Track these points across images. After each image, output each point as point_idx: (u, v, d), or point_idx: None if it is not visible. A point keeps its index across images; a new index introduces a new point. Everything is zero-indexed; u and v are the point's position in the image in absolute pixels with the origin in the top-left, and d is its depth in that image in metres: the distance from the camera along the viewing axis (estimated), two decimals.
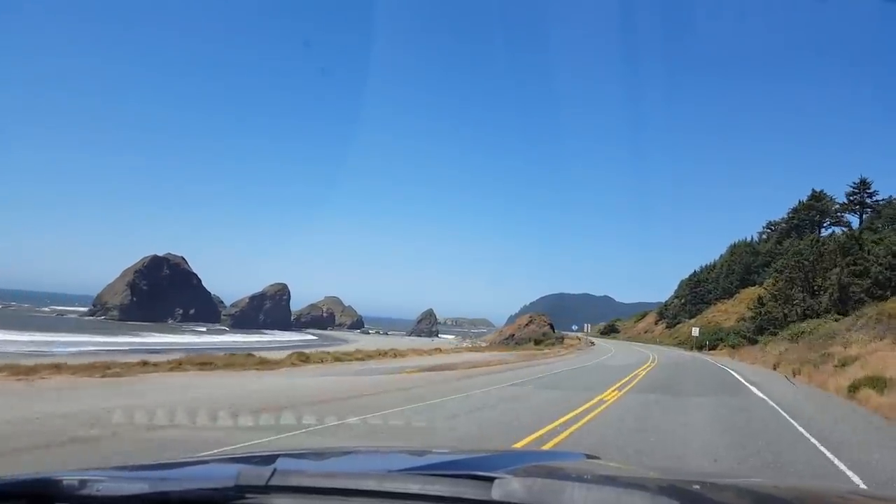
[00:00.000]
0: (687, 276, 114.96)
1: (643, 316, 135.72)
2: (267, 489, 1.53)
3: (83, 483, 1.63)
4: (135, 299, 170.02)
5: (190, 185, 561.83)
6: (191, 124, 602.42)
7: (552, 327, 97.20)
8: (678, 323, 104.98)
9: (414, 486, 1.48)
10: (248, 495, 1.53)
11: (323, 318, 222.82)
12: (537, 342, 53.48)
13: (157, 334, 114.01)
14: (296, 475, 1.62)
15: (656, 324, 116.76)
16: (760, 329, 56.01)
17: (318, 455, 2.73)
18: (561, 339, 58.74)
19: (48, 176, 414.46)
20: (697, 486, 2.06)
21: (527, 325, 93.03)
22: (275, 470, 1.56)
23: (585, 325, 77.26)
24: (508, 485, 1.42)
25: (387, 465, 2.32)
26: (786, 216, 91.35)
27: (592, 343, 78.91)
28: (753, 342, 50.59)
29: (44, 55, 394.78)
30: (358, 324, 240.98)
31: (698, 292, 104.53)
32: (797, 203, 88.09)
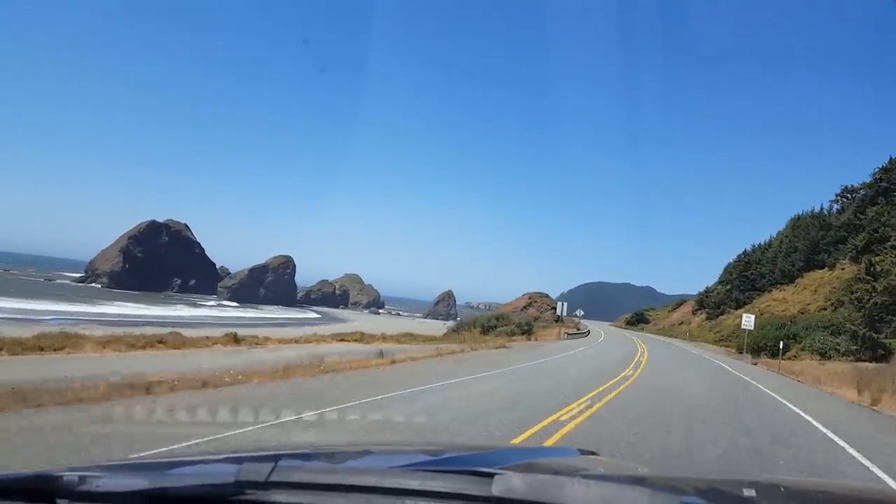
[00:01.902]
0: (734, 259, 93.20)
1: (679, 305, 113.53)
2: (267, 485, 1.49)
3: (83, 479, 1.59)
4: (127, 266, 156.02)
5: (205, 156, 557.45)
6: (208, 96, 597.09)
7: (556, 311, 77.58)
8: (721, 314, 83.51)
9: (414, 482, 1.46)
10: (248, 491, 1.50)
11: (335, 295, 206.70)
12: (487, 329, 34.77)
13: (123, 303, 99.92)
14: (296, 471, 1.59)
15: (694, 314, 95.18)
16: (872, 318, 33.14)
17: (319, 451, 2.62)
18: (529, 328, 39.58)
19: (68, 140, 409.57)
20: (697, 483, 2.11)
21: (524, 307, 73.49)
22: (275, 466, 1.53)
23: (560, 303, 57.34)
24: (509, 481, 1.40)
25: (387, 461, 2.27)
26: (870, 179, 69.00)
27: (586, 332, 60.16)
28: (871, 347, 27.41)
29: (44, 7, 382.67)
30: (375, 303, 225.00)
31: (748, 277, 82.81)
32: (887, 161, 65.91)
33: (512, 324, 37.14)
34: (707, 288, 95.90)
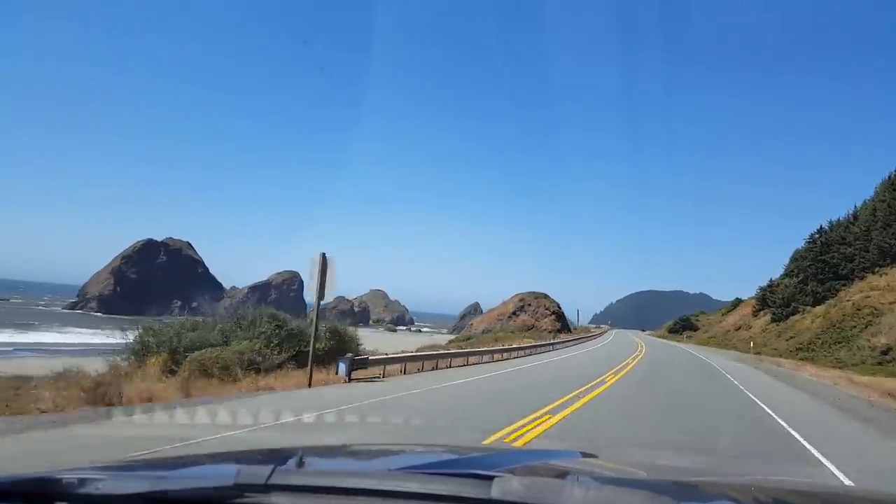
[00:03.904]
0: (806, 241, 70.42)
1: (735, 306, 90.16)
2: (266, 488, 1.47)
3: (82, 481, 1.57)
4: (118, 289, 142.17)
5: (217, 174, 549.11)
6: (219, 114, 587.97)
7: (560, 317, 56.59)
8: (793, 313, 61.14)
9: (413, 485, 1.44)
10: (247, 494, 1.48)
11: (354, 313, 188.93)
12: (180, 353, 14.26)
13: (79, 330, 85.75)
14: (295, 474, 1.59)
15: (755, 315, 72.62)
16: None
17: (318, 453, 2.60)
18: (356, 337, 19.49)
19: (62, 163, 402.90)
20: (696, 484, 2.08)
21: (513, 313, 53.11)
22: (274, 468, 1.50)
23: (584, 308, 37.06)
24: (508, 483, 1.38)
25: (386, 463, 2.25)
26: None
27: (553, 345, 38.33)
28: None
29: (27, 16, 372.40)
30: (401, 319, 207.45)
31: (828, 261, 60.40)
32: None
33: (246, 339, 15.89)
34: (771, 281, 73.19)
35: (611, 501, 1.39)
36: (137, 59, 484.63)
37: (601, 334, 70.63)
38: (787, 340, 53.45)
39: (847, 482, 8.00)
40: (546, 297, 55.26)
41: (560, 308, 55.70)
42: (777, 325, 62.42)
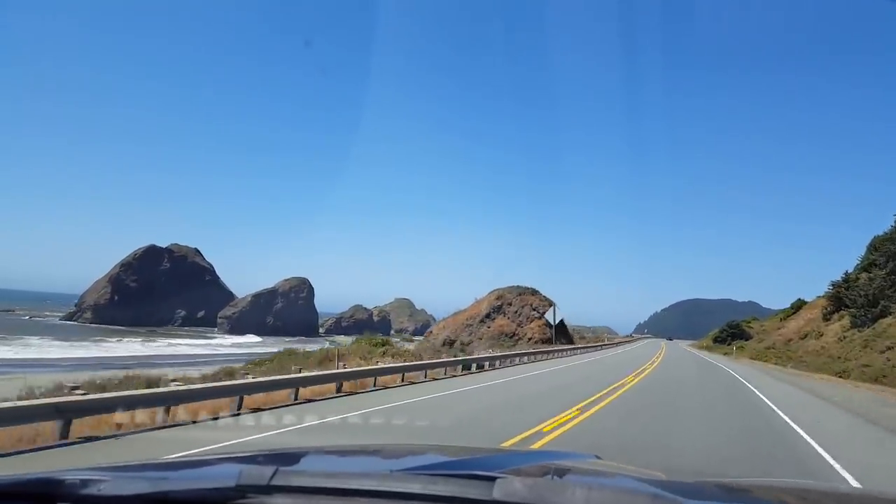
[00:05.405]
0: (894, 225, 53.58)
1: (797, 310, 73.00)
2: (268, 489, 1.46)
3: (85, 482, 1.57)
4: (116, 298, 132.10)
5: (242, 180, 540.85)
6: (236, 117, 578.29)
7: (553, 324, 41.38)
8: (883, 314, 44.70)
9: (415, 486, 1.43)
10: (249, 495, 1.47)
11: (373, 321, 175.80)
12: None
13: (51, 342, 76.47)
14: (297, 475, 1.55)
15: (826, 319, 55.91)
16: None
17: (321, 454, 2.56)
18: None
19: (63, 168, 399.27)
20: (700, 486, 2.05)
21: (487, 315, 38.57)
22: (276, 469, 1.49)
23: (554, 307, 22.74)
24: (510, 485, 1.36)
25: (389, 464, 2.22)
26: None
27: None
28: None
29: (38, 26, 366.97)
30: (425, 328, 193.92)
31: None
32: None
33: None
34: (846, 275, 56.41)
35: (613, 502, 1.35)
36: (134, 61, 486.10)
37: (619, 343, 56.40)
38: (882, 353, 37.33)
39: None
40: (534, 292, 40.62)
41: (545, 305, 40.37)
42: (860, 332, 45.94)
